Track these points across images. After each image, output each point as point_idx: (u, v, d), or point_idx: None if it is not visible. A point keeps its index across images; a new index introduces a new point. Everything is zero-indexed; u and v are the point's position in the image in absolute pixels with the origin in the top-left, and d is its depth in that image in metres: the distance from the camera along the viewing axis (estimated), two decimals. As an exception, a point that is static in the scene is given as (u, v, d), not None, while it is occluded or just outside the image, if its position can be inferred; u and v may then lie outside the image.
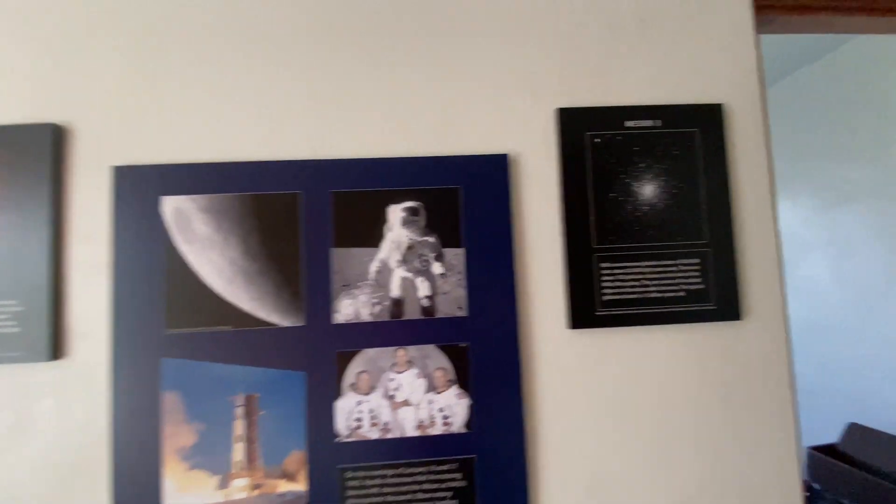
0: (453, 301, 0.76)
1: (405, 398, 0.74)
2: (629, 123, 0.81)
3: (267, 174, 0.76)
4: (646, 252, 0.79)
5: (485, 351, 0.76)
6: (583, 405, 0.78)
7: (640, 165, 0.80)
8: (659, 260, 0.79)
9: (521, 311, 0.78)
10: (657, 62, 0.83)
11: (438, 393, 0.75)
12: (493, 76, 0.82)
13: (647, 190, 0.80)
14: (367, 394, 0.74)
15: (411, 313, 0.76)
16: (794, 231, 2.22)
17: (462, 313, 0.76)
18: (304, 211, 0.76)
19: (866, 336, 1.89)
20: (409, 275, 0.76)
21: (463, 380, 0.75)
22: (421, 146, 0.80)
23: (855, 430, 1.83)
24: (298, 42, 0.80)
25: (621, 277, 0.79)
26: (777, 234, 0.83)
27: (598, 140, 0.80)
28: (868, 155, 1.82)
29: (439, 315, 0.76)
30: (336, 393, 0.74)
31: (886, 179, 1.76)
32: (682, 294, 0.79)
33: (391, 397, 0.74)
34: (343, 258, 0.76)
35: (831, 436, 2.05)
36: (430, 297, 0.76)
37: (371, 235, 0.76)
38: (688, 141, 0.81)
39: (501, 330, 0.76)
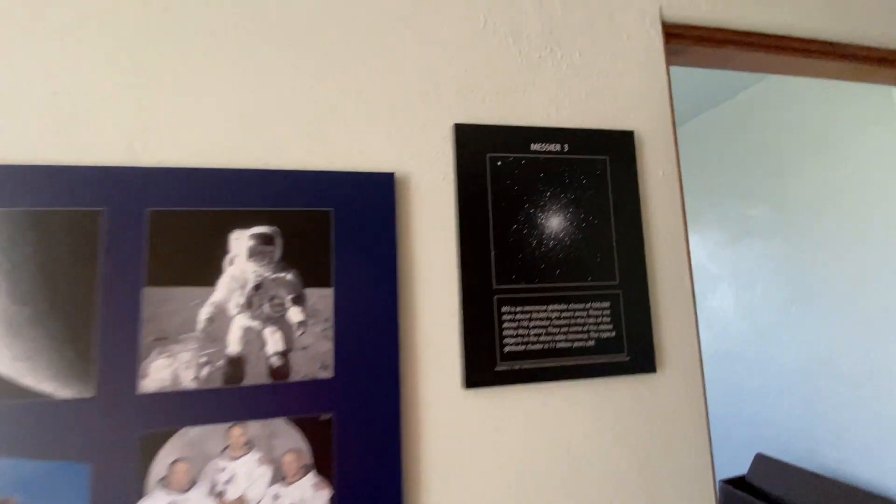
0: (315, 358, 0.59)
1: (240, 494, 0.54)
2: (535, 146, 0.71)
3: (54, 184, 0.55)
4: (552, 294, 0.68)
5: (355, 423, 0.59)
6: (481, 480, 0.63)
7: (546, 194, 0.70)
8: (567, 303, 0.68)
9: (405, 369, 0.63)
10: (566, 83, 0.75)
11: (288, 484, 0.56)
12: (382, 81, 0.68)
13: (554, 222, 0.70)
14: (184, 491, 0.53)
15: (255, 377, 0.57)
16: (702, 264, 2.32)
17: (326, 374, 0.59)
18: (107, 236, 0.56)
19: (767, 365, 1.97)
20: (256, 324, 0.58)
21: (323, 464, 0.57)
22: (281, 156, 0.63)
23: (762, 461, 1.86)
24: (107, 10, 0.61)
25: (525, 324, 0.66)
26: (690, 273, 0.76)
27: (500, 163, 0.69)
28: (766, 193, 1.94)
29: (295, 378, 0.58)
30: (137, 492, 0.52)
31: (782, 217, 1.87)
32: (591, 344, 0.68)
33: (220, 494, 0.54)
34: (159, 301, 0.56)
35: (742, 465, 2.09)
36: (282, 354, 0.58)
37: (202, 271, 0.57)
38: (597, 169, 0.73)
39: (379, 394, 0.60)
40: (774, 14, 0.90)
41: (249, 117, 0.63)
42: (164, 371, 0.55)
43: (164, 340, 0.55)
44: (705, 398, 0.73)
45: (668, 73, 0.83)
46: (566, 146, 0.72)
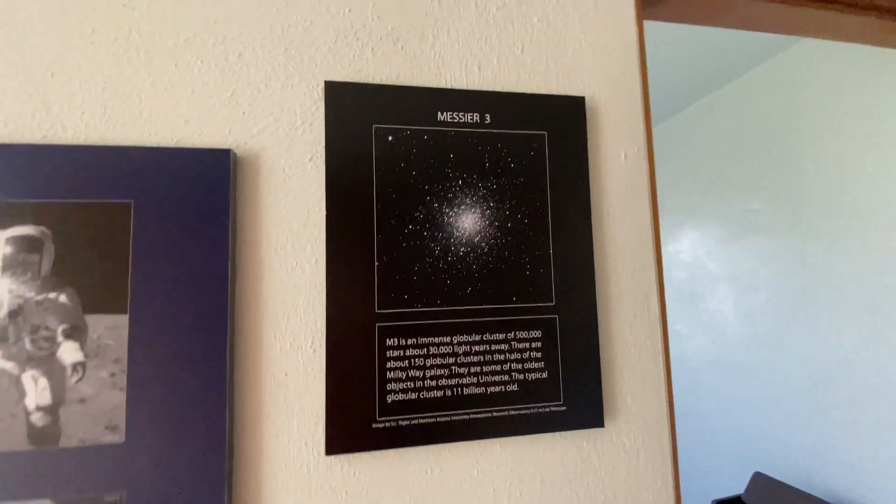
0: (98, 416, 0.41)
1: None
2: (443, 116, 0.51)
3: None
4: (460, 320, 0.49)
5: (153, 508, 0.41)
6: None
7: (458, 182, 0.51)
8: (481, 333, 0.50)
9: (238, 430, 0.45)
10: (494, 31, 0.55)
11: None
12: (219, 18, 0.49)
13: (467, 221, 0.51)
14: None
15: (7, 441, 0.40)
16: (701, 263, 2.11)
17: (114, 438, 0.41)
18: None
19: (769, 375, 1.78)
20: (10, 366, 0.40)
21: (97, 571, 0.40)
22: (61, 126, 0.45)
23: (760, 481, 1.68)
24: None
25: (418, 363, 0.48)
26: (660, 291, 0.57)
27: (392, 139, 0.50)
28: (772, 185, 1.73)
29: (68, 443, 0.40)
30: None
31: (788, 211, 1.66)
32: (513, 388, 0.50)
33: None
34: None
35: (737, 482, 1.91)
36: (49, 410, 0.40)
37: (-82, 292, 0.39)
38: (531, 149, 0.53)
39: (194, 467, 0.42)
40: (785, -50, 0.69)
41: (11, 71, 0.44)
42: None
43: None
44: (675, 463, 0.54)
45: (641, 27, 0.63)
46: (488, 117, 0.53)
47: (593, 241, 0.54)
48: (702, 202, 2.10)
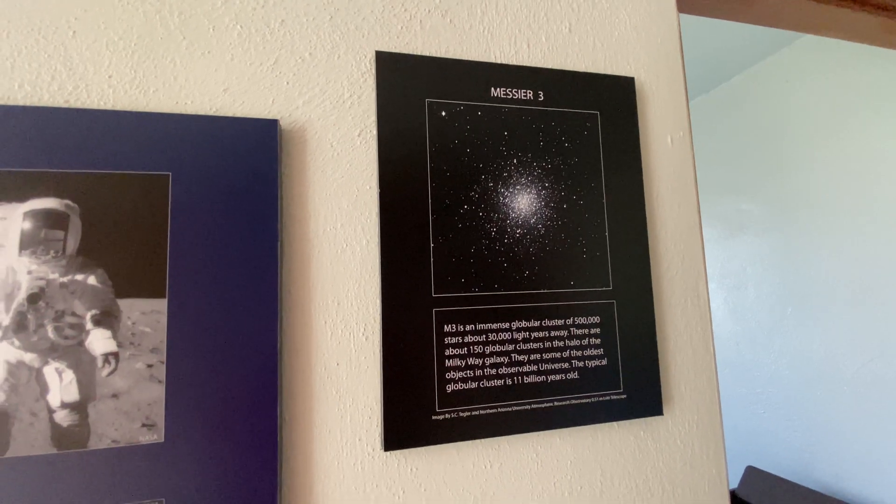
0: (133, 413, 0.36)
1: None
2: (497, 92, 0.49)
3: None
4: (519, 305, 0.47)
5: (197, 515, 0.37)
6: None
7: (513, 161, 0.49)
8: (541, 319, 0.47)
9: (289, 425, 0.41)
10: (543, 8, 0.54)
11: None
12: (268, -12, 0.45)
13: (523, 202, 0.48)
14: None
15: (28, 444, 0.34)
16: (690, 261, 2.16)
17: (152, 437, 0.37)
18: None
19: (759, 372, 1.82)
20: (30, 357, 0.35)
21: (135, 589, 0.35)
22: (87, 90, 0.40)
23: (753, 475, 1.72)
24: None
25: (478, 350, 0.45)
26: (705, 278, 0.56)
27: (445, 114, 0.47)
28: (762, 186, 1.78)
29: (99, 444, 0.36)
30: None
31: (778, 212, 1.71)
32: (574, 377, 0.48)
33: None
34: None
35: (731, 477, 1.95)
36: (76, 407, 0.36)
37: (-78, 272, 0.34)
38: (585, 128, 0.52)
39: (241, 468, 0.38)
40: (808, -56, 0.70)
41: (40, 30, 0.40)
42: None
43: None
44: (724, 449, 0.53)
45: (679, 18, 0.63)
46: (541, 94, 0.51)
47: (646, 223, 0.53)
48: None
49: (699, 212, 0.58)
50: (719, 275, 2.00)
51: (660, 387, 0.50)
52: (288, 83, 0.44)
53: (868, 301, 1.46)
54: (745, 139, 1.86)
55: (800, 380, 1.67)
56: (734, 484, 1.88)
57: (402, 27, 0.48)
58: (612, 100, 0.53)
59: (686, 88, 0.59)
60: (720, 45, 1.67)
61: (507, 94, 0.49)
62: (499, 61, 0.51)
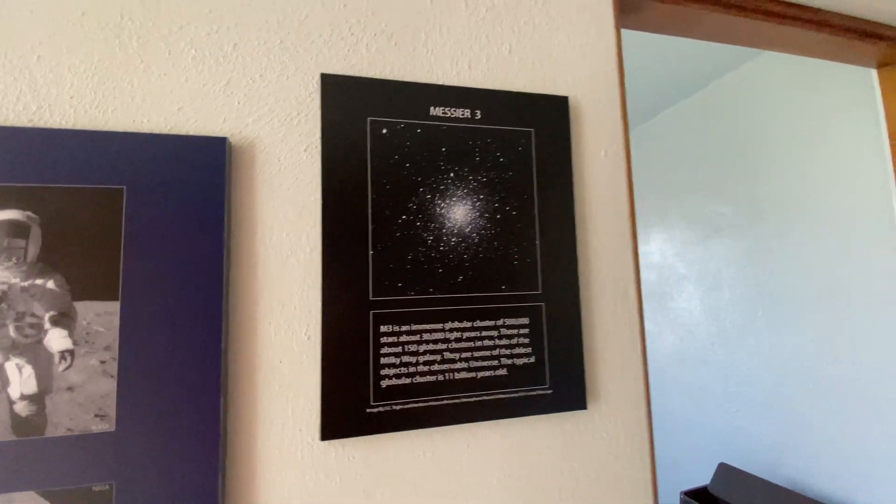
0: (87, 404, 0.40)
1: None
2: (436, 111, 0.53)
3: None
4: (452, 308, 0.51)
5: (147, 498, 0.41)
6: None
7: (450, 174, 0.53)
8: (472, 320, 0.51)
9: (233, 417, 0.45)
10: (484, 32, 0.58)
11: None
12: (219, 10, 0.49)
13: (459, 212, 0.52)
14: None
15: (-17, 433, 0.38)
16: (669, 263, 2.21)
17: (104, 427, 0.41)
18: None
19: (733, 371, 1.87)
20: (-8, 354, 0.39)
21: (86, 561, 0.39)
22: (49, 110, 0.44)
23: (725, 472, 1.76)
24: None
25: (412, 349, 0.49)
26: (637, 282, 0.60)
27: (387, 131, 0.51)
28: (737, 190, 1.83)
29: (55, 432, 0.40)
30: None
31: (752, 216, 1.76)
32: (502, 373, 0.52)
33: None
34: None
35: (705, 474, 2.00)
36: (35, 399, 0.39)
37: None
38: (519, 144, 0.56)
39: (187, 454, 0.42)
40: (747, -32, 0.74)
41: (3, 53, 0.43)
42: None
43: None
44: (651, 441, 0.57)
45: (619, 34, 0.67)
46: (479, 113, 0.55)
47: (576, 232, 0.57)
48: (671, 205, 2.20)
49: (632, 219, 0.62)
50: (697, 276, 2.04)
51: (584, 383, 0.54)
52: (239, 103, 0.48)
53: (831, 303, 1.51)
54: (722, 143, 1.90)
55: (770, 379, 1.72)
56: (707, 480, 1.93)
57: (348, 50, 0.52)
58: (547, 117, 0.57)
59: (623, 104, 0.64)
60: (699, 51, 1.72)
61: (446, 113, 0.53)
62: (440, 82, 0.55)
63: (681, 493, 1.78)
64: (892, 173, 1.00)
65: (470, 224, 0.53)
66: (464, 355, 0.51)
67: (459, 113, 0.54)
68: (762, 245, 1.74)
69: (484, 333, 0.52)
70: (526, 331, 0.53)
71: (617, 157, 0.61)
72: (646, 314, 2.36)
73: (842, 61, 1.03)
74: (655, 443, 2.33)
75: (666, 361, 2.25)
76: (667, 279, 2.23)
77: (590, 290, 0.57)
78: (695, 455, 2.06)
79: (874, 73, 1.16)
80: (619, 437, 0.56)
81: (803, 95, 1.59)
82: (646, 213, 2.35)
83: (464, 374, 0.51)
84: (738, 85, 1.84)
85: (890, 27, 0.90)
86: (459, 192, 0.53)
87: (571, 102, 0.59)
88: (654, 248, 2.31)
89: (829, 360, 1.53)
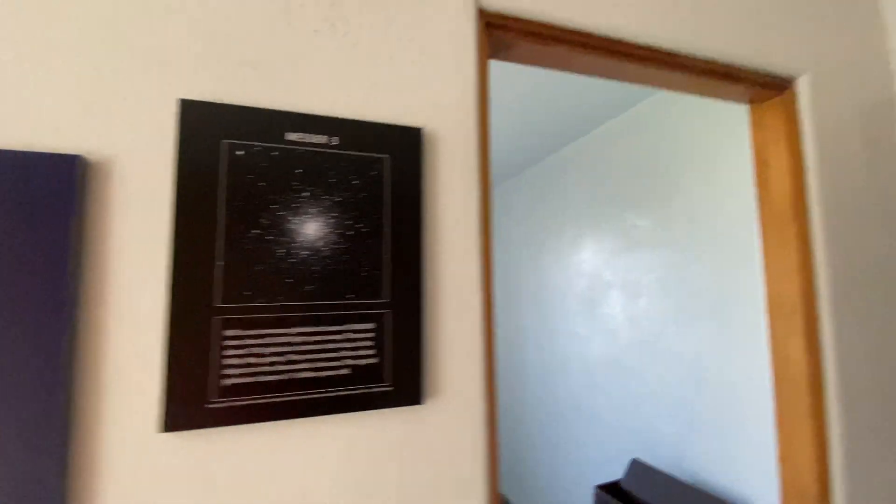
0: (-78, 398, 0.44)
1: None
2: (292, 136, 0.59)
3: None
4: (299, 314, 0.57)
5: (-21, 483, 0.44)
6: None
7: (303, 194, 0.59)
8: (317, 325, 0.57)
9: (80, 414, 0.49)
10: (347, 65, 0.64)
11: None
12: (86, 35, 0.53)
13: (311, 228, 0.58)
14: None
15: None
16: (598, 272, 2.34)
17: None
18: None
19: (648, 374, 2.01)
20: None
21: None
22: None
23: (636, 467, 1.90)
24: None
25: (257, 351, 0.55)
26: (484, 294, 0.68)
27: (242, 153, 0.57)
28: (653, 206, 1.97)
29: None
30: None
31: (665, 230, 1.90)
32: (345, 373, 0.58)
33: None
34: None
35: (622, 470, 2.13)
36: None
37: None
38: (373, 169, 0.62)
39: (29, 449, 0.46)
40: (609, 16, 0.84)
41: None
42: None
43: None
44: (492, 436, 0.65)
45: (485, 67, 0.75)
46: (336, 139, 0.61)
47: (427, 249, 0.64)
48: (600, 217, 2.33)
49: (485, 237, 0.69)
50: (621, 284, 2.18)
51: (422, 381, 0.61)
52: (99, 123, 0.53)
53: (731, 311, 1.66)
54: (643, 162, 2.05)
55: (676, 381, 1.87)
56: (621, 475, 2.07)
57: (211, 77, 0.57)
58: (401, 145, 0.64)
59: (484, 137, 0.71)
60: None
61: (303, 138, 0.59)
62: (298, 110, 0.61)
63: (594, 487, 1.90)
64: (757, 195, 1.13)
65: (322, 239, 0.59)
66: (308, 357, 0.57)
67: (317, 138, 0.60)
68: (674, 256, 1.89)
69: (329, 337, 0.58)
70: (371, 335, 0.60)
71: (469, 183, 0.68)
72: (578, 320, 2.50)
73: (718, 98, 1.15)
74: (581, 442, 2.46)
75: (594, 364, 2.38)
76: (596, 287, 2.37)
77: (437, 300, 0.64)
78: (615, 453, 2.20)
79: (746, 108, 1.29)
80: (456, 428, 0.63)
81: (705, 121, 1.74)
82: (579, 223, 2.49)
83: (307, 374, 0.57)
84: (658, 108, 1.99)
85: (744, 69, 1.02)
86: (312, 210, 0.59)
87: (427, 132, 0.67)
88: (585, 258, 2.45)
89: (721, 363, 1.69)
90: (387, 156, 0.63)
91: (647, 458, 2.00)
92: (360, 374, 0.59)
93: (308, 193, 0.59)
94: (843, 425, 0.97)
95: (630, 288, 2.13)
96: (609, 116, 2.23)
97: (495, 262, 3.61)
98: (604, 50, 0.86)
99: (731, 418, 1.64)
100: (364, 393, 0.58)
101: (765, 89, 1.07)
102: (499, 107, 2.11)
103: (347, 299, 0.59)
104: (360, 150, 0.62)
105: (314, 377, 0.57)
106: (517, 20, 0.77)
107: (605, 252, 2.30)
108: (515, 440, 3.22)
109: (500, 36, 0.78)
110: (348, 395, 0.58)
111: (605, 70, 0.93)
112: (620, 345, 2.19)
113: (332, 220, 0.59)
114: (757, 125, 1.16)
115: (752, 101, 1.17)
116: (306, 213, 0.58)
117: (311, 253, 0.58)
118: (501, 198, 3.48)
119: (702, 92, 1.10)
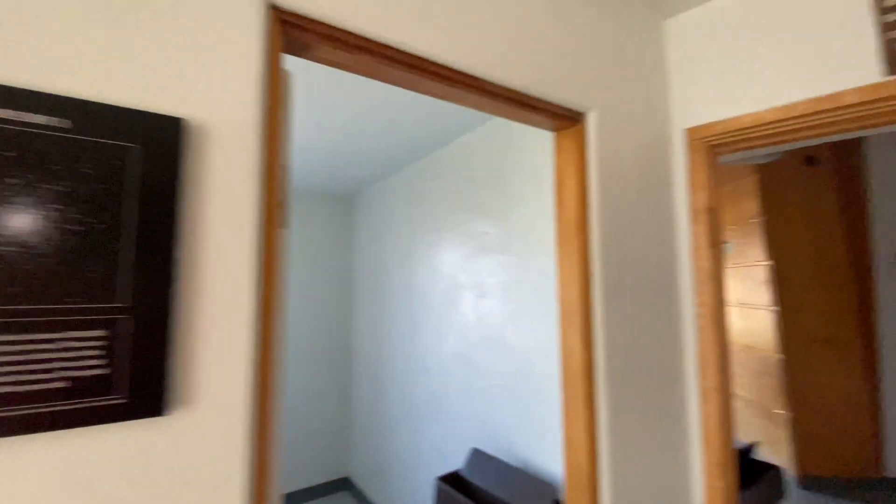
0: None
1: None
2: (5, 114, 0.51)
3: None
4: (2, 320, 0.49)
5: None
6: None
7: (14, 182, 0.51)
8: (22, 333, 0.50)
9: None
10: (104, 42, 0.57)
11: None
12: None
13: (20, 221, 0.51)
14: None
15: None
16: (454, 274, 2.48)
17: None
18: None
19: (491, 369, 2.18)
20: None
21: None
22: None
23: (475, 456, 2.04)
24: None
25: (-73, 365, 0.46)
26: (264, 295, 0.66)
27: (-82, 127, 0.47)
28: (497, 215, 2.14)
29: None
30: None
31: (508, 238, 2.08)
32: (61, 385, 0.52)
33: None
34: None
35: (462, 459, 2.28)
36: None
37: None
38: (113, 159, 0.57)
39: None
40: (413, 35, 0.89)
41: None
42: None
43: None
44: (264, 441, 0.64)
45: (276, 63, 0.73)
46: (68, 122, 0.54)
47: (182, 250, 0.61)
48: (456, 224, 2.48)
49: (268, 240, 0.68)
50: (471, 286, 2.34)
51: (164, 390, 0.57)
52: None
53: (550, 310, 1.89)
54: (489, 172, 2.23)
55: (512, 373, 2.06)
56: (462, 464, 2.22)
57: None
58: (156, 136, 0.59)
59: (271, 127, 0.70)
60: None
61: (21, 118, 0.52)
62: (16, 84, 0.52)
63: (435, 478, 2.01)
64: (556, 212, 1.30)
65: (36, 234, 0.52)
66: (10, 368, 0.49)
67: (40, 119, 0.53)
68: (513, 261, 2.08)
69: (42, 346, 0.51)
70: (101, 342, 0.54)
71: (246, 180, 0.67)
72: (437, 319, 2.61)
73: (528, 124, 1.30)
74: (437, 435, 2.58)
75: (450, 361, 2.51)
76: (452, 288, 2.50)
77: (196, 304, 0.61)
78: (462, 444, 2.35)
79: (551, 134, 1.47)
80: (210, 441, 0.61)
81: (540, 140, 1.96)
82: (443, 228, 2.61)
83: (8, 388, 0.49)
84: (504, 127, 2.19)
85: (544, 101, 1.17)
86: (26, 201, 0.51)
87: (192, 123, 0.63)
88: (446, 260, 2.57)
89: (544, 356, 1.91)
90: (135, 145, 0.58)
91: (488, 447, 2.17)
92: (83, 387, 0.53)
93: (23, 181, 0.51)
94: (608, 408, 1.17)
95: (478, 289, 2.29)
96: (467, 129, 2.39)
97: (370, 261, 3.59)
98: (409, 66, 0.91)
99: (551, 407, 1.86)
100: (88, 407, 0.53)
101: (563, 120, 1.25)
102: (362, 109, 2.11)
103: (66, 303, 0.53)
104: (98, 137, 0.56)
105: (17, 392, 0.49)
106: (314, 22, 0.78)
107: (460, 256, 2.45)
108: (381, 438, 3.24)
109: (297, 35, 0.78)
110: (68, 410, 0.52)
111: (415, 85, 0.98)
112: (471, 342, 2.34)
113: (53, 214, 0.53)
114: (558, 150, 1.34)
115: (556, 129, 1.35)
116: (16, 204, 0.51)
117: (23, 250, 0.51)
118: (377, 196, 3.49)
119: (511, 117, 1.23)
